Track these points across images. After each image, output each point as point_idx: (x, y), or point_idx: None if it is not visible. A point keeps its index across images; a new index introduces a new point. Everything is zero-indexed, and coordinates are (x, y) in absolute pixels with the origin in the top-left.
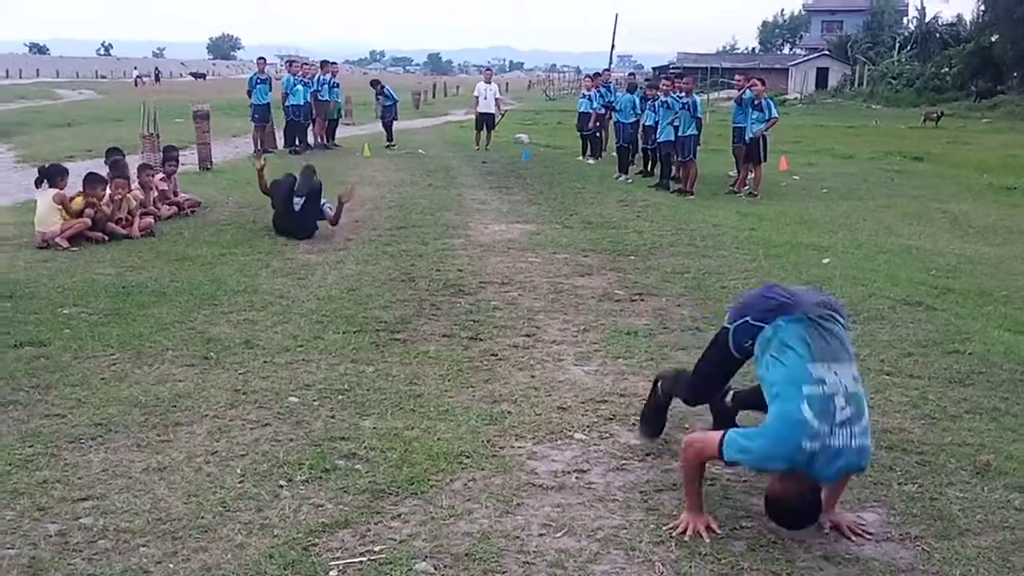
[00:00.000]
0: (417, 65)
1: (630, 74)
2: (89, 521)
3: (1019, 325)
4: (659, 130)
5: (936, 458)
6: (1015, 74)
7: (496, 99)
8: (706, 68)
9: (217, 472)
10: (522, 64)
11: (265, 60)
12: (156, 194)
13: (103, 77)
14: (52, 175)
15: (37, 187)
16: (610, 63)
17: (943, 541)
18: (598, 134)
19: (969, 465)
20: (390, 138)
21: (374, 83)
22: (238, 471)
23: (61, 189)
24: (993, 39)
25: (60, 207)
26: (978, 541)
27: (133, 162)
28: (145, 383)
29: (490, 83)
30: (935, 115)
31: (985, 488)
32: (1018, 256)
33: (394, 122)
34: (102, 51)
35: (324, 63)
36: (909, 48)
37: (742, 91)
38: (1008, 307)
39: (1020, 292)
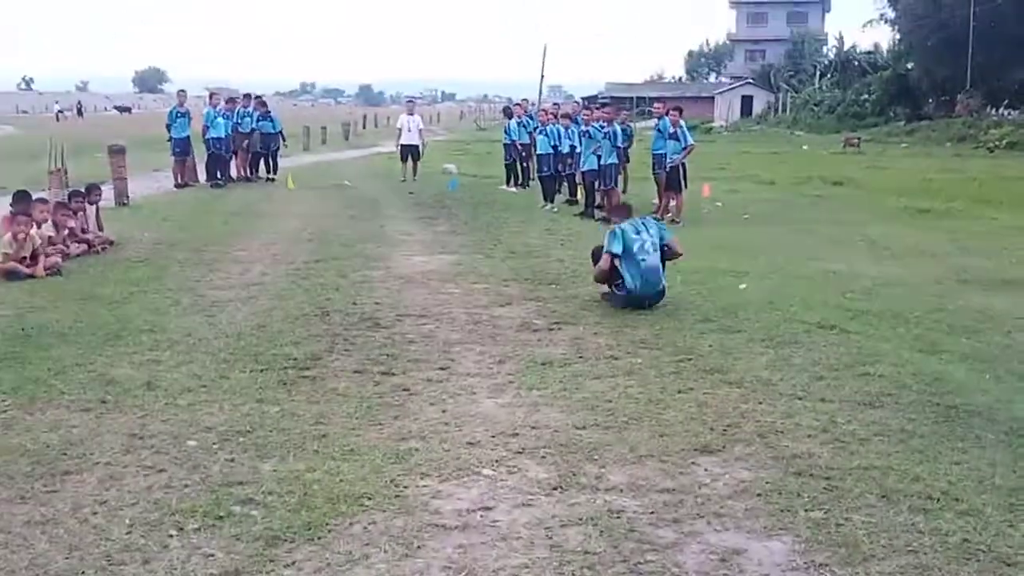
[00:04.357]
0: (349, 96)
1: (554, 105)
2: None
3: (929, 345)
4: (582, 159)
5: (843, 483)
6: (930, 100)
7: (420, 130)
8: (633, 98)
9: (104, 523)
10: (454, 95)
11: (186, 93)
12: (66, 232)
13: (24, 112)
14: None
15: None
16: (540, 93)
17: (847, 568)
18: (524, 164)
19: (876, 488)
20: (271, 170)
21: (260, 102)
22: (127, 521)
23: None
24: (909, 67)
25: None
26: (882, 566)
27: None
28: (36, 430)
29: (413, 115)
30: (855, 140)
31: (891, 511)
32: (931, 277)
33: (277, 153)
34: (23, 85)
35: (247, 96)
36: (830, 76)
37: (659, 119)
38: (920, 328)
39: (931, 313)
